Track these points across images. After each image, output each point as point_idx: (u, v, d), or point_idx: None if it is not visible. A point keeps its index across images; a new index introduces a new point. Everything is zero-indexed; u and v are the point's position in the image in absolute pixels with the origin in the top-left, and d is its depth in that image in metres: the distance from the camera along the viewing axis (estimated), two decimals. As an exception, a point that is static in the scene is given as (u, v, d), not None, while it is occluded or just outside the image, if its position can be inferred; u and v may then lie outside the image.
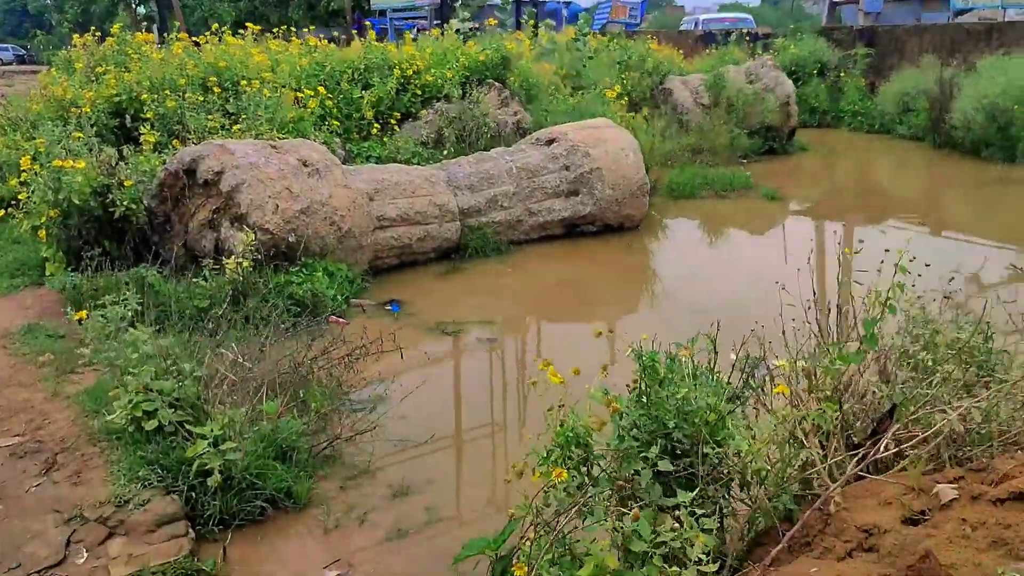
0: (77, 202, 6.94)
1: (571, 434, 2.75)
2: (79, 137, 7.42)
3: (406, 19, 29.98)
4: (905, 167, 14.70)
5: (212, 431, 3.88)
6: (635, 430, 2.73)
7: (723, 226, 10.38)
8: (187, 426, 4.05)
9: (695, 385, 2.76)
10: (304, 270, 7.00)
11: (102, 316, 4.47)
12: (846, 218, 10.71)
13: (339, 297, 6.89)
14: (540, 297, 7.60)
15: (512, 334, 6.74)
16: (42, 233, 7.11)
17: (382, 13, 31.33)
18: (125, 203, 7.11)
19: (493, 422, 5.11)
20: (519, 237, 9.05)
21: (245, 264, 6.55)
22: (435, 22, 24.21)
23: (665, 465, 2.60)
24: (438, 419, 5.09)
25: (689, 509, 2.51)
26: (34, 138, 8.54)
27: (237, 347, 5.17)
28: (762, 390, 3.31)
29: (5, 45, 63.50)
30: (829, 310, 3.59)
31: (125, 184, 7.15)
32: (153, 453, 4.04)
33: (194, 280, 6.58)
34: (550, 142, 9.54)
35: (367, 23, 27.93)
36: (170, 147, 8.41)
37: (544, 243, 9.15)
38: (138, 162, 7.56)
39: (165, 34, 14.35)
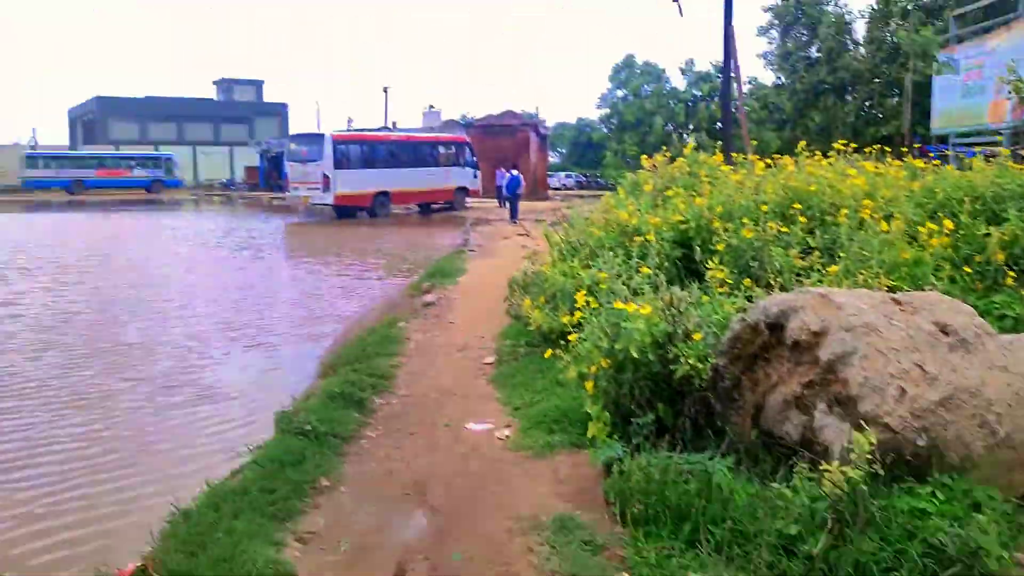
0: (635, 354, 5.50)
1: None
2: (646, 273, 6.03)
3: (969, 144, 25.84)
4: None
5: None
6: None
7: None
8: None
9: None
10: (936, 494, 4.58)
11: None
12: None
13: (1003, 554, 4.30)
14: None
15: None
16: (589, 384, 5.81)
17: (941, 139, 27.53)
18: (691, 360, 5.48)
19: None
20: None
21: (856, 477, 4.38)
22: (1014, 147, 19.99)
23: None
24: None
25: None
26: (590, 266, 7.54)
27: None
28: None
29: (570, 173, 73.38)
30: None
31: (693, 336, 5.53)
32: None
33: (774, 486, 4.60)
34: None
35: (927, 151, 24.68)
36: (740, 288, 6.72)
37: None
38: (708, 309, 5.95)
39: (733, 154, 13.22)
